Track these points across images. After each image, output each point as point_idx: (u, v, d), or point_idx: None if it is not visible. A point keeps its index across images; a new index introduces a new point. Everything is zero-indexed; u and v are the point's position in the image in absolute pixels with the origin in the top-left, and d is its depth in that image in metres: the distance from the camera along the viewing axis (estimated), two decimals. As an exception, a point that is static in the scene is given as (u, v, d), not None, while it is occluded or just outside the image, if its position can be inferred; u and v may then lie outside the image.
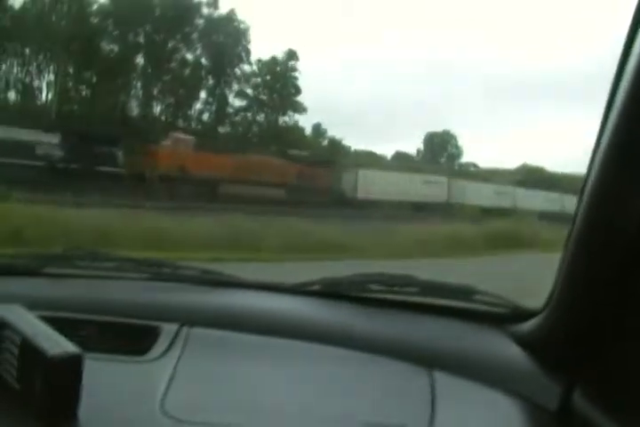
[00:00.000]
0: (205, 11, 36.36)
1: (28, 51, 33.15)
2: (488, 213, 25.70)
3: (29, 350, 0.93)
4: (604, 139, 0.94)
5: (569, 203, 31.21)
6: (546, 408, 1.11)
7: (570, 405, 1.09)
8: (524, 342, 1.26)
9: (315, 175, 26.60)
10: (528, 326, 1.26)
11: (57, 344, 0.94)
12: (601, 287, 1.03)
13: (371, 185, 28.15)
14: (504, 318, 1.36)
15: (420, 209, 26.75)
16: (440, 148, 47.44)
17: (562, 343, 1.16)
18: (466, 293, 1.45)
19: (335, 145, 41.57)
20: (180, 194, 20.29)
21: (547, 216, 21.97)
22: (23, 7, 31.81)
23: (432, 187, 30.66)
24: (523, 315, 1.31)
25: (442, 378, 1.18)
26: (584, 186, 1.01)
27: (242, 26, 37.05)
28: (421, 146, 47.48)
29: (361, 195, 27.66)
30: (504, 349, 1.27)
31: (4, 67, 32.90)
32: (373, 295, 1.48)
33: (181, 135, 25.33)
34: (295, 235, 11.09)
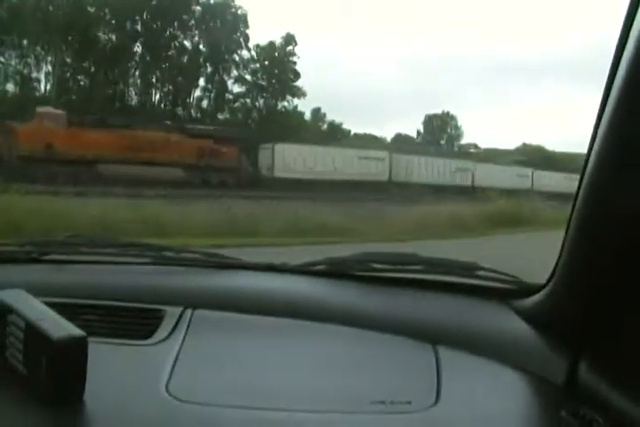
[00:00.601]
0: (202, -3, 36.17)
1: (25, 42, 33.07)
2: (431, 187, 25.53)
3: (34, 334, 0.93)
4: (604, 120, 0.93)
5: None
6: (552, 382, 1.11)
7: (576, 378, 1.09)
8: (528, 316, 1.26)
9: (220, 153, 24.01)
10: (532, 300, 1.26)
11: (61, 328, 0.94)
12: (604, 261, 1.03)
13: (291, 163, 25.91)
14: (508, 293, 1.36)
15: (357, 188, 24.58)
16: (440, 129, 47.38)
17: (567, 317, 1.16)
18: (469, 269, 1.45)
19: (335, 129, 41.55)
20: (47, 176, 18.00)
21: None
22: (20, -2, 31.68)
23: (371, 163, 28.54)
24: (527, 290, 1.31)
25: (447, 354, 1.18)
26: (585, 165, 1.00)
27: (239, 11, 36.97)
28: (421, 127, 47.43)
29: (278, 173, 25.50)
30: (509, 324, 1.27)
31: (1, 59, 32.85)
32: (377, 274, 1.48)
33: (51, 110, 22.32)
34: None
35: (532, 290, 1.28)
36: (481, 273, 1.44)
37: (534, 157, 36.51)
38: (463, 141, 46.98)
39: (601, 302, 1.08)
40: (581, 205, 1.02)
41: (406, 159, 29.87)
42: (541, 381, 1.12)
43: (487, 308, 1.35)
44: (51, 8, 32.11)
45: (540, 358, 1.16)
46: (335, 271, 1.51)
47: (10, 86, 33.69)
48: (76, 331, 0.94)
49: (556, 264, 1.17)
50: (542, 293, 1.23)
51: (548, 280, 1.21)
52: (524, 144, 42.85)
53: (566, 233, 1.10)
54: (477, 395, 1.06)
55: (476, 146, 45.24)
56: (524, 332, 1.23)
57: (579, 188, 1.03)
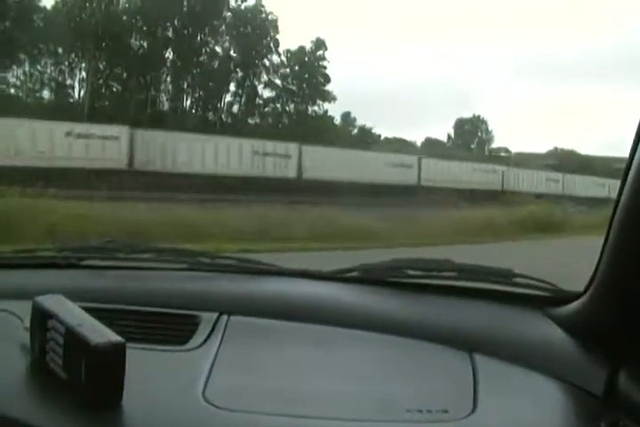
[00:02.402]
0: (233, 3, 36.48)
1: (60, 50, 33.68)
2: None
3: (74, 339, 0.95)
4: None
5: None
6: (590, 392, 1.09)
7: (615, 388, 1.07)
8: (566, 325, 1.24)
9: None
10: (570, 308, 1.24)
11: (100, 334, 0.95)
12: None
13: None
14: (545, 300, 1.34)
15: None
16: (470, 133, 47.00)
17: (605, 326, 1.14)
18: (505, 276, 1.44)
19: (365, 133, 41.46)
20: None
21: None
22: (55, 7, 32.35)
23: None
24: (564, 298, 1.29)
25: (483, 362, 1.16)
26: (627, 171, 0.99)
27: (270, 17, 37.12)
28: (452, 131, 47.11)
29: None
30: (546, 332, 1.25)
31: (38, 67, 33.51)
32: (411, 280, 1.47)
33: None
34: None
35: (569, 298, 1.26)
36: (517, 280, 1.42)
37: (566, 161, 36.05)
38: (494, 145, 46.54)
39: None
40: (623, 211, 1.00)
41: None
42: (580, 391, 1.09)
43: (523, 315, 1.33)
44: (84, 16, 32.65)
45: (578, 367, 1.14)
46: (369, 278, 1.50)
47: (45, 93, 34.40)
48: (115, 337, 0.95)
49: (595, 271, 1.15)
50: (580, 300, 1.21)
51: (587, 288, 1.19)
52: (556, 148, 42.31)
53: (606, 240, 1.08)
54: (514, 404, 1.04)
55: (506, 150, 44.78)
56: (561, 340, 1.21)
57: (619, 194, 1.01)
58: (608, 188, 27.19)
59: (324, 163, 24.87)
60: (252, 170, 24.56)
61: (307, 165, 25.30)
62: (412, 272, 1.48)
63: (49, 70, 34.02)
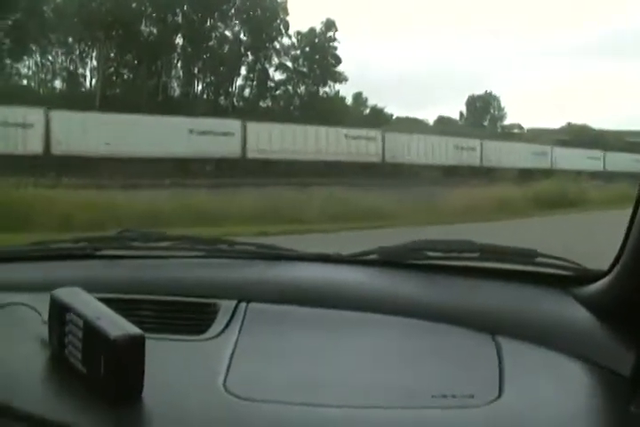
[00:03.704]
0: (242, -13, 36.19)
1: (70, 39, 33.70)
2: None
3: (92, 332, 0.94)
4: None
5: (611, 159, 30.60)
6: (618, 373, 1.06)
7: None
8: (591, 304, 1.21)
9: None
10: (595, 288, 1.22)
11: (119, 326, 0.94)
12: None
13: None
14: (569, 280, 1.32)
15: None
16: (483, 110, 46.61)
17: (632, 305, 1.11)
18: (528, 256, 1.41)
19: (377, 113, 41.24)
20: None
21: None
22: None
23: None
24: (589, 277, 1.26)
25: (507, 344, 1.14)
26: None
27: (279, -1, 36.78)
28: (464, 109, 46.75)
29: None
30: (571, 312, 1.22)
31: (49, 57, 33.60)
32: (432, 262, 1.45)
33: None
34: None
35: (594, 277, 1.24)
36: (539, 260, 1.40)
37: (579, 136, 35.76)
38: (507, 122, 46.14)
39: None
40: None
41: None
42: (607, 372, 1.07)
43: (547, 296, 1.30)
44: (94, 5, 32.59)
45: (606, 348, 1.11)
46: (388, 260, 1.48)
47: (57, 83, 34.50)
48: (134, 329, 0.94)
49: (621, 250, 1.12)
50: (606, 279, 1.18)
51: (612, 266, 1.16)
52: (569, 123, 41.83)
53: (633, 218, 1.05)
54: (542, 387, 1.02)
55: (519, 126, 44.42)
56: (587, 321, 1.18)
57: None
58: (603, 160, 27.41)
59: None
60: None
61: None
62: (432, 254, 1.46)
63: (60, 60, 34.11)
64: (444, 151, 28.01)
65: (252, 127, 24.32)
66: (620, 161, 29.91)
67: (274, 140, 24.22)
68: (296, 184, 14.82)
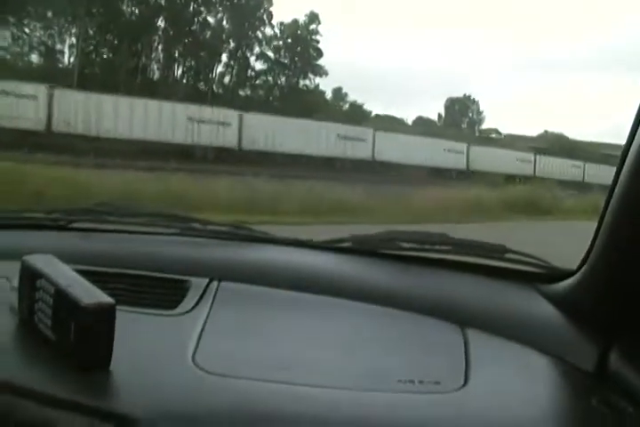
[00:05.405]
0: (227, -27, 35.90)
1: (49, 14, 33.06)
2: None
3: (63, 299, 0.93)
4: None
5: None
6: (582, 369, 1.09)
7: (606, 366, 1.07)
8: (558, 301, 1.24)
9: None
10: (563, 285, 1.24)
11: (91, 294, 0.93)
12: (639, 248, 1.01)
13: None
14: (537, 277, 1.34)
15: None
16: (461, 113, 47.03)
17: (598, 304, 1.14)
18: (499, 251, 1.43)
19: (356, 109, 41.33)
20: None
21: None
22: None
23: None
24: (557, 275, 1.28)
25: (475, 335, 1.16)
26: (625, 153, 1.00)
27: (264, -12, 36.58)
28: (443, 111, 47.11)
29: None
30: (538, 308, 1.25)
31: (27, 30, 32.91)
32: (405, 253, 1.46)
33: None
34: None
35: (562, 275, 1.26)
36: (510, 256, 1.42)
37: (555, 145, 36.32)
38: (484, 126, 46.64)
39: (634, 290, 1.06)
40: (619, 195, 1.01)
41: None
42: (571, 367, 1.10)
43: (515, 291, 1.33)
44: (75, -20, 32.02)
45: (570, 343, 1.14)
46: (361, 249, 1.49)
47: (34, 57, 33.84)
48: (105, 298, 0.93)
49: (589, 250, 1.14)
50: (573, 278, 1.20)
51: (580, 266, 1.19)
52: (546, 131, 42.47)
53: (601, 219, 1.08)
54: (506, 378, 1.04)
55: (497, 131, 44.91)
56: (553, 317, 1.21)
57: (616, 177, 1.02)
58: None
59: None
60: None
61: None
62: (405, 244, 1.47)
63: (38, 34, 33.45)
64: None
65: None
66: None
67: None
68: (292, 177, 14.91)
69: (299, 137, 24.99)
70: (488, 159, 29.79)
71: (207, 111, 24.16)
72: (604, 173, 28.12)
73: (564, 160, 32.29)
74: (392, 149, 27.31)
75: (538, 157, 32.01)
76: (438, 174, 27.21)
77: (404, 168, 26.15)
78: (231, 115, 24.50)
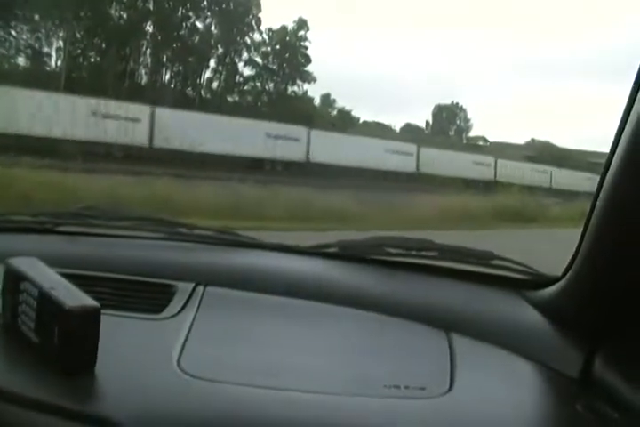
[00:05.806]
0: (215, -22, 35.95)
1: (37, 17, 32.90)
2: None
3: (47, 302, 0.92)
4: (632, 119, 0.92)
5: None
6: (567, 375, 1.09)
7: (591, 372, 1.08)
8: (543, 308, 1.24)
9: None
10: (548, 292, 1.25)
11: (75, 298, 0.92)
12: (625, 254, 1.02)
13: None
14: (523, 283, 1.35)
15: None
16: (449, 121, 47.27)
17: (583, 310, 1.14)
18: (485, 258, 1.44)
19: (344, 116, 41.44)
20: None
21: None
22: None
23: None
24: (542, 281, 1.29)
25: (460, 341, 1.16)
26: (610, 159, 1.00)
27: (252, -5, 36.66)
28: (430, 118, 47.34)
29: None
30: (523, 314, 1.25)
31: (13, 32, 32.72)
32: (391, 258, 1.47)
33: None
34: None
35: (547, 281, 1.26)
36: (496, 262, 1.42)
37: (543, 153, 36.43)
38: (472, 134, 46.92)
39: (619, 296, 1.06)
40: (603, 201, 1.02)
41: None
42: (556, 373, 1.10)
43: (501, 297, 1.33)
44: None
45: (555, 350, 1.14)
46: (348, 254, 1.49)
47: (21, 60, 33.63)
48: (90, 301, 0.92)
49: (574, 257, 1.15)
50: (558, 284, 1.21)
51: (565, 272, 1.19)
52: (533, 139, 42.82)
53: (586, 225, 1.08)
54: (491, 384, 1.04)
55: (484, 139, 45.19)
56: (538, 323, 1.21)
57: (600, 184, 1.03)
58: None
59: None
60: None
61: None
62: (391, 250, 1.48)
63: (25, 37, 33.27)
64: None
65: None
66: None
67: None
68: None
69: (222, 136, 22.92)
70: (442, 162, 28.09)
71: (113, 105, 22.20)
72: (573, 180, 27.29)
73: (529, 164, 31.66)
74: (330, 149, 25.30)
75: (499, 160, 30.88)
76: (385, 177, 25.46)
77: (343, 171, 23.70)
78: (141, 110, 22.58)
